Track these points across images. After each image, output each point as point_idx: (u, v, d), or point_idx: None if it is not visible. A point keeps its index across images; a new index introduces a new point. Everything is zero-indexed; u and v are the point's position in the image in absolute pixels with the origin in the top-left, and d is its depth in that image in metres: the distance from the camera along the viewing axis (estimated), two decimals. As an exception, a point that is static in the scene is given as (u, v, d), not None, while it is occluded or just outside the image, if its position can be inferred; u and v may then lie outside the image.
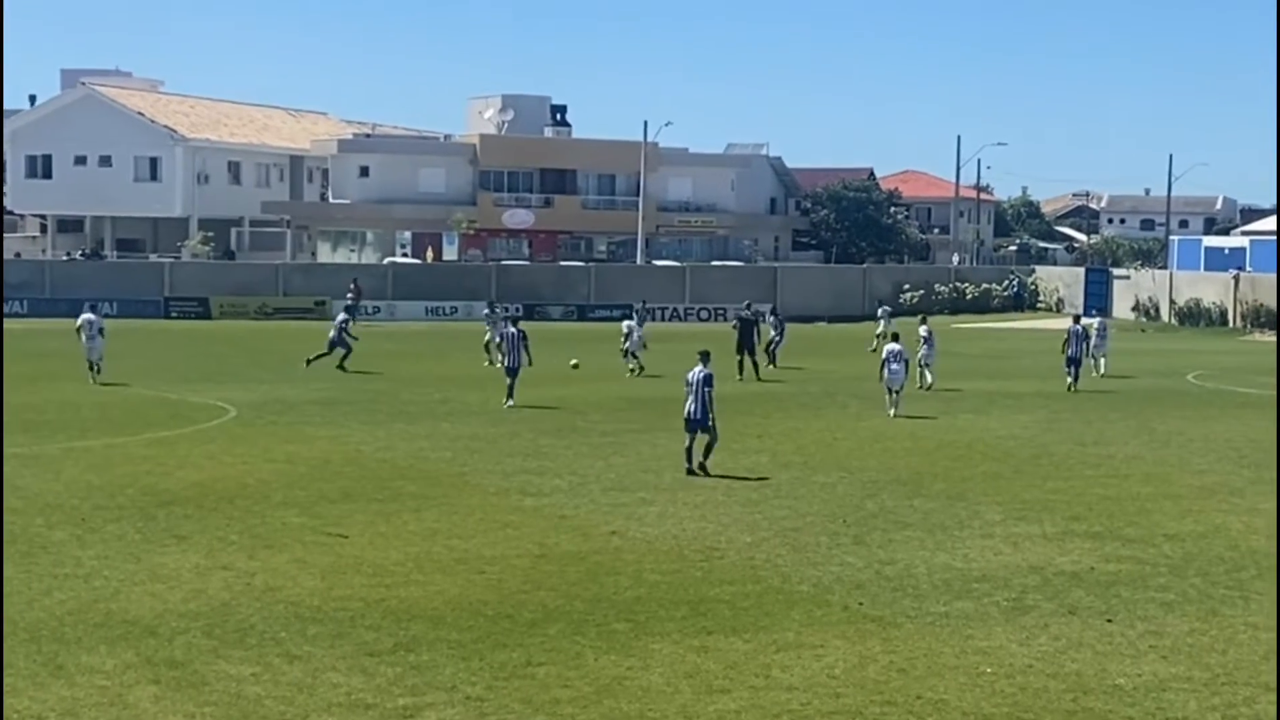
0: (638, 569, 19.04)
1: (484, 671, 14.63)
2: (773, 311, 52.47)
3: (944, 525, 22.18)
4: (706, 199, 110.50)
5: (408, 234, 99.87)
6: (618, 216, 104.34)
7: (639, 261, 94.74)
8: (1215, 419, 35.97)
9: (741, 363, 44.52)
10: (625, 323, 48.37)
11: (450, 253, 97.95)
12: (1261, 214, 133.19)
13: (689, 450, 26.65)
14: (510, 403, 36.46)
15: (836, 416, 35.59)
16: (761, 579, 18.62)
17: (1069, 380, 42.05)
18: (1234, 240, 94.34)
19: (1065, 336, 42.85)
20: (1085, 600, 17.75)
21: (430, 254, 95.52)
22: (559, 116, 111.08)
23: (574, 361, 41.15)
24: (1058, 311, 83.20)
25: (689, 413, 26.64)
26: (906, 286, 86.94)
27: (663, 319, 77.98)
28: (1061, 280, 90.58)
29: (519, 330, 37.66)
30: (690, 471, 26.34)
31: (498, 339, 38.96)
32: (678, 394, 39.53)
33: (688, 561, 19.55)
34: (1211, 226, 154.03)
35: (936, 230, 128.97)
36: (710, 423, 26.54)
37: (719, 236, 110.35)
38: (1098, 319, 50.60)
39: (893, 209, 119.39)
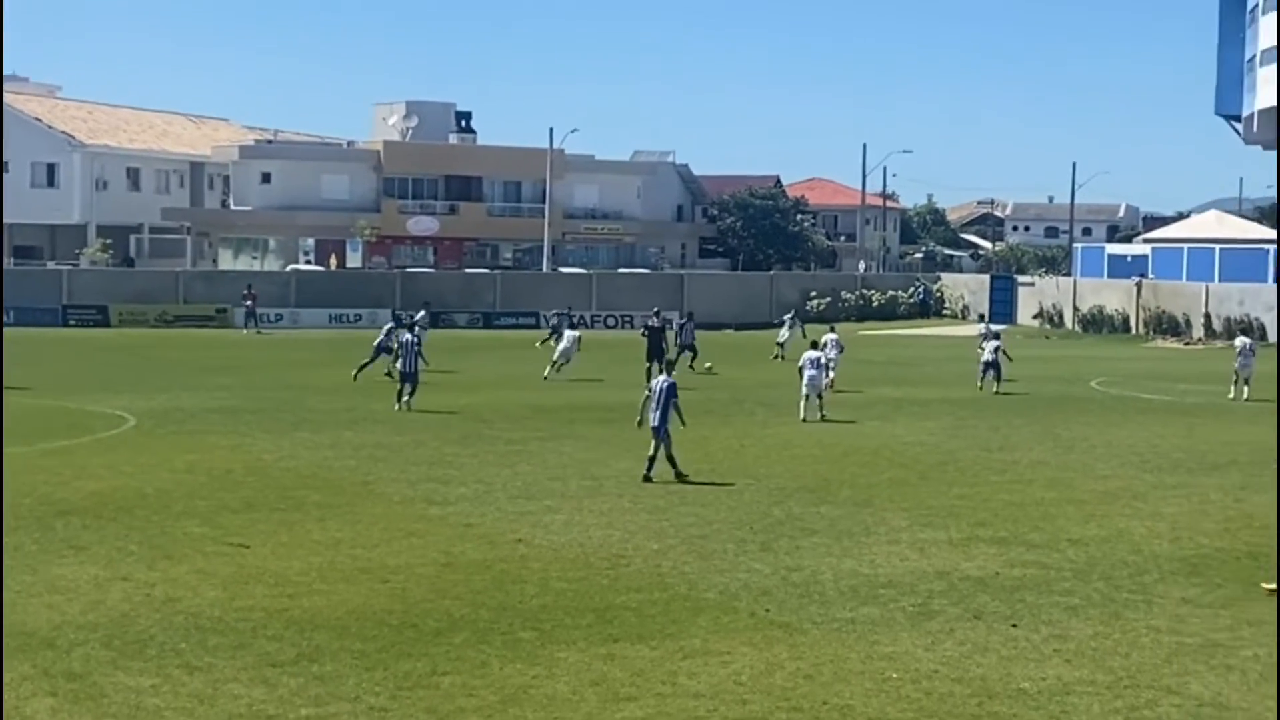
0: (544, 577, 19.02)
1: (388, 681, 14.55)
2: (686, 319, 52.66)
3: (850, 532, 22.31)
4: (613, 206, 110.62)
5: (311, 241, 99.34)
6: (524, 224, 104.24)
7: (545, 269, 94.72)
8: (1118, 425, 36.44)
9: (650, 370, 44.51)
10: (570, 333, 49.22)
11: (354, 260, 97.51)
12: (1163, 221, 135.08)
13: (651, 459, 26.80)
14: (400, 406, 36.89)
15: (744, 424, 35.72)
16: (668, 586, 18.65)
17: (981, 384, 43.55)
18: (1136, 248, 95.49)
19: (979, 343, 43.59)
20: (990, 605, 17.91)
21: (334, 261, 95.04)
22: (464, 123, 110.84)
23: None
24: (963, 318, 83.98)
25: (653, 421, 26.88)
26: (813, 294, 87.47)
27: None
28: (967, 287, 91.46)
29: (415, 337, 38.10)
30: (646, 479, 26.45)
31: (398, 345, 38.92)
32: (583, 401, 39.90)
33: (594, 569, 19.55)
34: (1114, 234, 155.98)
35: (843, 237, 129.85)
36: (666, 432, 26.74)
37: (625, 244, 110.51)
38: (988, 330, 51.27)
39: (799, 216, 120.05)
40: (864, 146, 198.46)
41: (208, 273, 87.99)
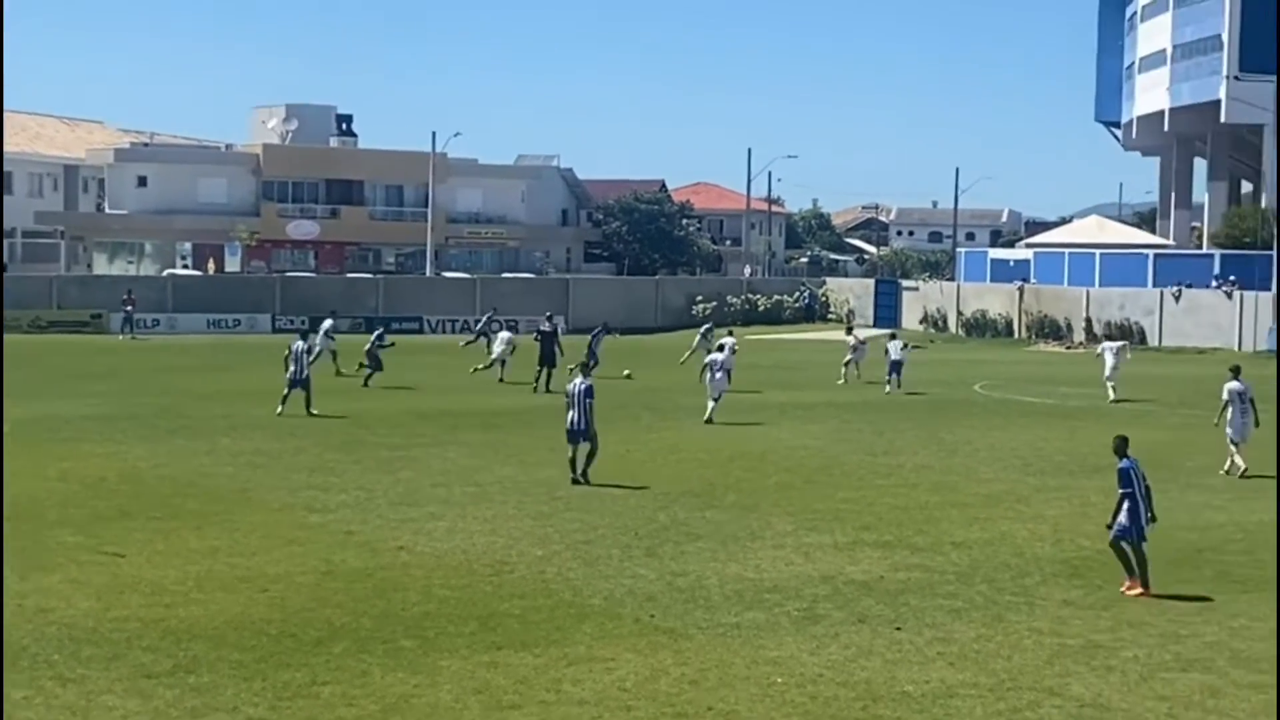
0: (426, 584, 18.93)
1: (266, 692, 14.41)
2: (606, 330, 52.74)
3: (736, 536, 22.40)
4: (497, 210, 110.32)
5: (188, 245, 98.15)
6: (406, 228, 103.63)
7: (428, 273, 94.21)
8: (1001, 428, 36.86)
9: (540, 374, 44.58)
10: (503, 335, 49.60)
11: (233, 264, 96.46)
12: (1045, 226, 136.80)
13: (572, 460, 27.02)
14: (282, 410, 36.89)
15: (629, 429, 35.72)
16: (553, 593, 18.62)
17: (888, 386, 45.67)
18: (1019, 252, 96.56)
19: (885, 346, 46.86)
20: (875, 609, 18.06)
21: (211, 265, 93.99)
22: (345, 126, 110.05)
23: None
24: (848, 323, 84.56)
25: (571, 423, 27.05)
26: (699, 298, 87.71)
27: (452, 331, 77.77)
28: (852, 292, 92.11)
29: (307, 344, 37.94)
30: (575, 481, 26.72)
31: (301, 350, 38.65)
32: (466, 407, 39.73)
33: (477, 576, 19.48)
34: (997, 239, 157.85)
35: (729, 242, 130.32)
36: (591, 433, 26.96)
37: (510, 248, 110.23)
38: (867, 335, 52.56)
39: (685, 221, 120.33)
40: (749, 151, 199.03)
41: (82, 277, 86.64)
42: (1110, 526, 19.25)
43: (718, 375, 37.60)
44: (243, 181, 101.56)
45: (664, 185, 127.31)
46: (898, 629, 17.07)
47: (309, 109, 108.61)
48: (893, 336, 50.41)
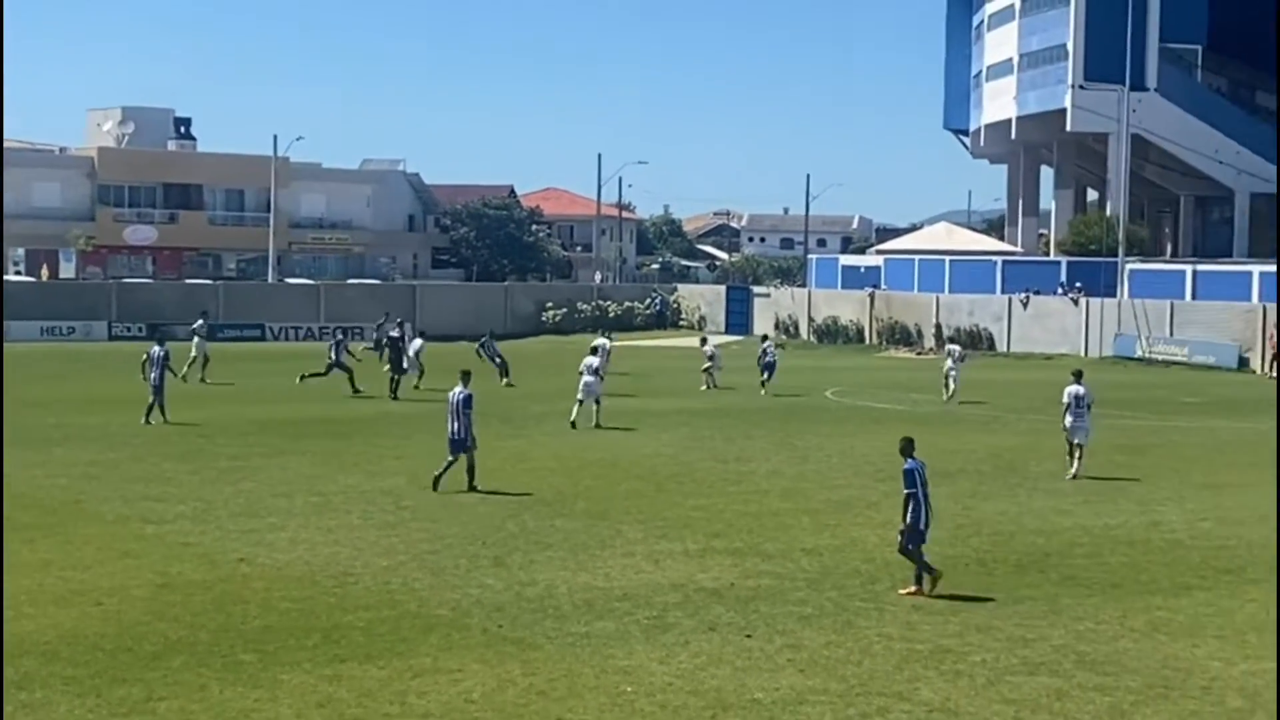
0: (267, 597, 18.70)
1: (101, 708, 14.14)
2: (489, 337, 53.17)
3: (586, 545, 22.39)
4: (341, 215, 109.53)
5: (21, 251, 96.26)
6: (247, 233, 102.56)
7: (270, 279, 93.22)
8: (852, 434, 37.22)
9: (394, 381, 44.94)
10: (418, 341, 49.89)
11: (68, 270, 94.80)
12: (895, 233, 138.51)
13: (446, 470, 27.17)
14: (148, 420, 36.88)
15: (480, 437, 35.51)
16: (398, 604, 18.48)
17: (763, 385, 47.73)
18: (870, 259, 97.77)
19: (761, 348, 49.44)
20: (725, 616, 18.13)
21: (45, 272, 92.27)
22: (184, 130, 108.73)
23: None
24: (700, 329, 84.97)
25: (452, 433, 27.13)
26: (549, 305, 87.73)
27: (296, 339, 77.09)
28: (703, 298, 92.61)
29: (164, 350, 37.61)
30: (434, 488, 26.92)
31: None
32: (309, 416, 39.34)
33: (320, 588, 19.28)
34: (848, 245, 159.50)
35: (579, 248, 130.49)
36: (471, 443, 27.01)
37: (355, 254, 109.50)
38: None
39: (534, 227, 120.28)
40: (599, 157, 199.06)
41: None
42: (902, 533, 19.57)
43: (587, 379, 38.02)
44: (78, 185, 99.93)
45: (513, 191, 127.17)
46: (748, 636, 17.16)
47: (146, 112, 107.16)
48: (765, 338, 52.75)
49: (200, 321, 52.99)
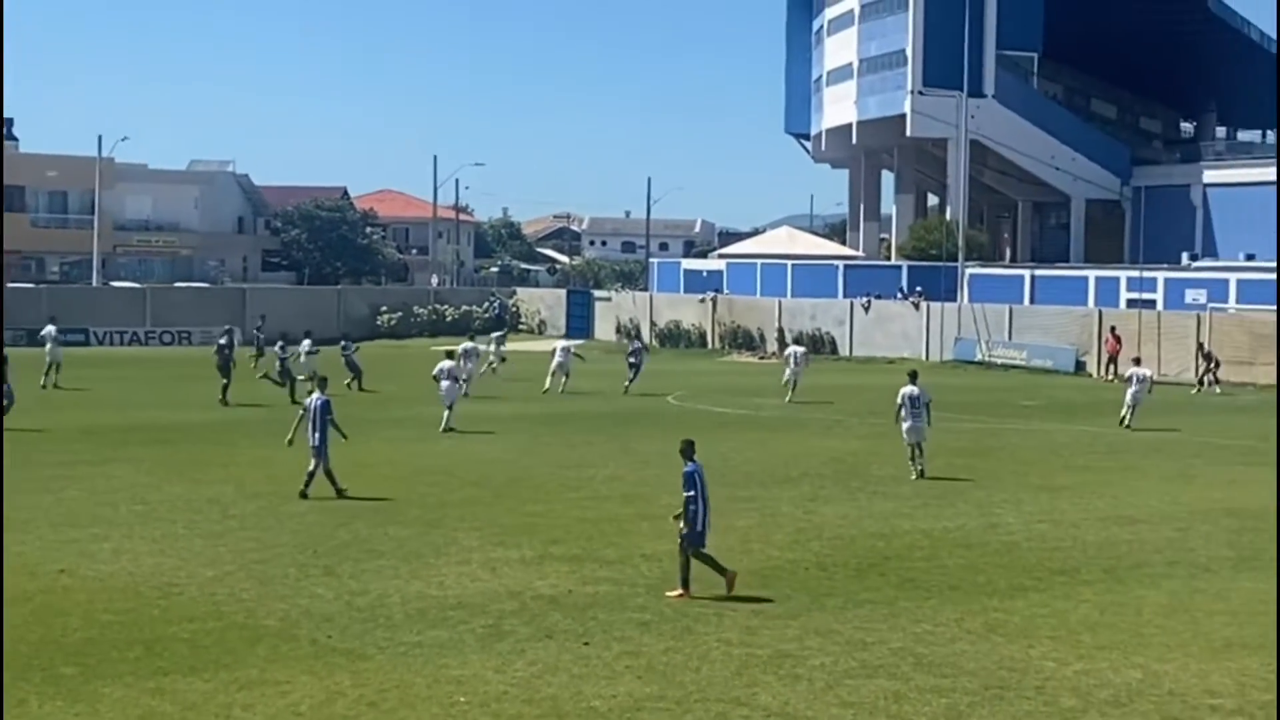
0: (89, 609, 18.31)
1: (-91, 727, 13.75)
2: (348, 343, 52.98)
3: (420, 553, 22.21)
4: (168, 217, 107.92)
5: None
6: (71, 236, 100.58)
7: (95, 283, 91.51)
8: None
9: (226, 389, 44.50)
10: (306, 343, 50.84)
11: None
12: (737, 237, 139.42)
13: (311, 475, 27.04)
14: None
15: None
16: (224, 615, 18.18)
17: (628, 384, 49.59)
18: (712, 263, 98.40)
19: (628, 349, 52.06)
20: (563, 624, 18.06)
21: None
22: (5, 130, 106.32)
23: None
24: (540, 333, 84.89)
25: (313, 440, 27.07)
26: (384, 308, 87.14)
27: (122, 343, 75.84)
28: (543, 302, 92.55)
29: (3, 356, 37.13)
30: (303, 495, 26.81)
31: None
32: (135, 422, 38.67)
33: (144, 599, 18.92)
34: (690, 249, 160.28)
35: (415, 251, 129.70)
36: (325, 450, 27.06)
37: (183, 256, 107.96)
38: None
39: (369, 229, 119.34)
40: (435, 159, 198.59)
41: None
42: (682, 534, 19.77)
43: (444, 383, 38.25)
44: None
45: (346, 192, 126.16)
46: (585, 644, 17.10)
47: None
48: (633, 337, 55.96)
49: (51, 328, 52.25)
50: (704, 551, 19.70)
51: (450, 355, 40.36)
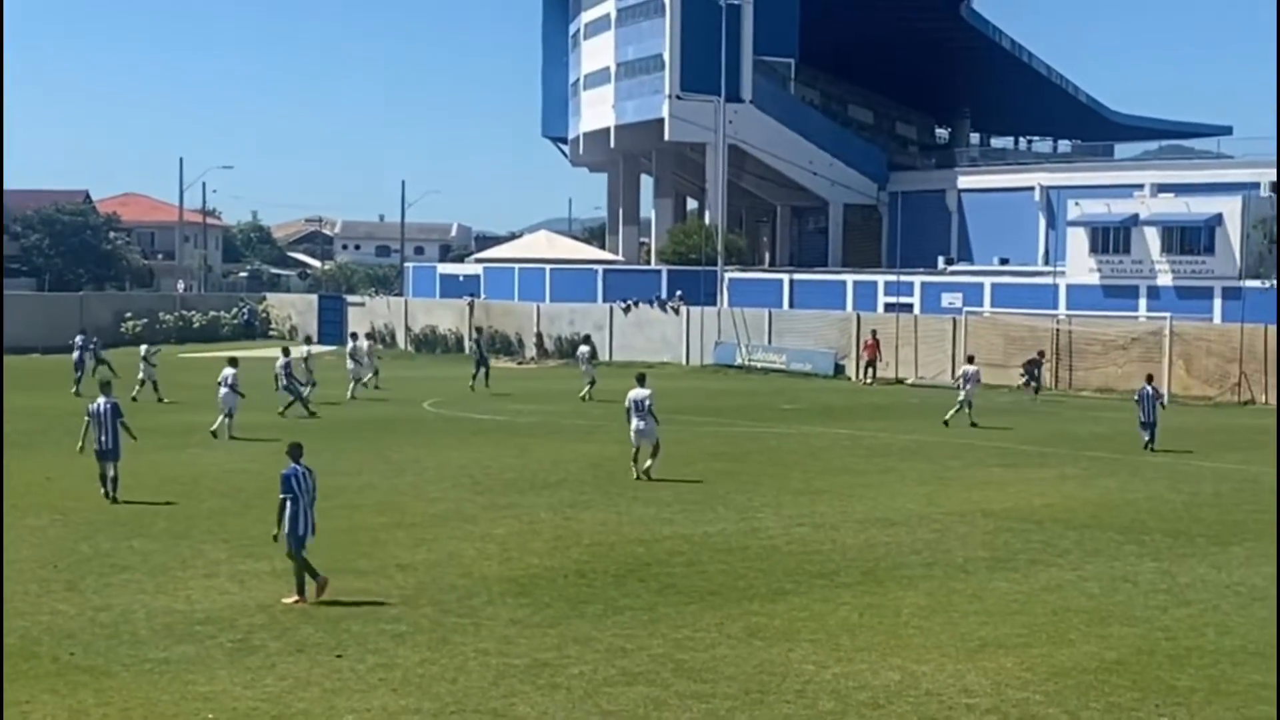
0: None
1: None
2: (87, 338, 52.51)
3: (166, 566, 21.78)
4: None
5: None
6: None
7: None
8: (451, 446, 37.21)
9: None
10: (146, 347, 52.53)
11: None
12: (495, 241, 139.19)
13: (103, 478, 27.78)
14: None
15: (52, 454, 34.29)
16: (-42, 634, 17.60)
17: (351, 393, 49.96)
18: (469, 267, 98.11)
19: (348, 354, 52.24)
20: (315, 637, 17.83)
21: None
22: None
23: None
24: (291, 339, 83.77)
25: (99, 444, 27.68)
26: (129, 315, 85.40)
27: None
28: (294, 307, 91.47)
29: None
30: (108, 498, 27.40)
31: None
32: None
33: None
34: (447, 254, 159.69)
35: (161, 256, 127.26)
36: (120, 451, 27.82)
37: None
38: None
39: (112, 234, 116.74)
40: (180, 161, 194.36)
41: None
42: (275, 536, 20.09)
43: (224, 391, 39.06)
44: None
45: (88, 196, 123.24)
46: (338, 656, 16.90)
47: None
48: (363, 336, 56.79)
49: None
50: (302, 555, 19.81)
51: (233, 362, 39.83)
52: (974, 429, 42.89)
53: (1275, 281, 63.32)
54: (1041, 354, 57.12)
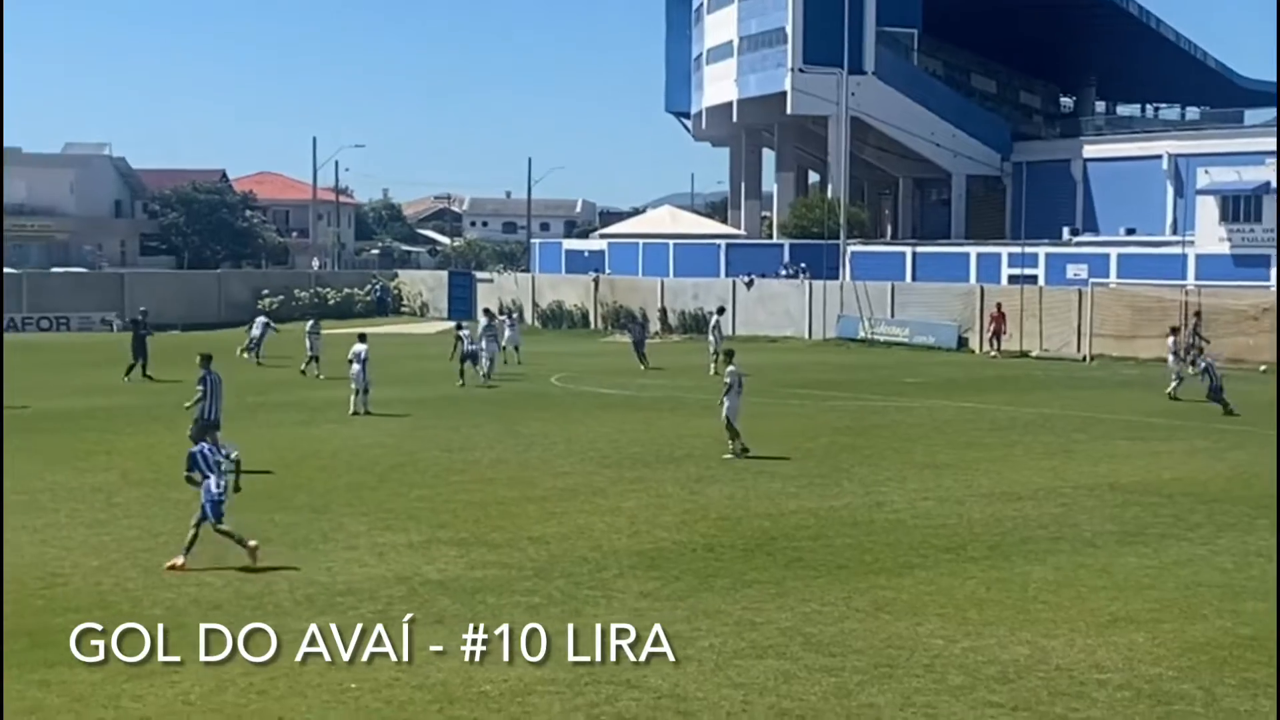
0: (-30, 602, 18.08)
1: None
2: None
3: (307, 539, 22.14)
4: (43, 202, 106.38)
5: None
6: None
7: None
8: (578, 421, 37.45)
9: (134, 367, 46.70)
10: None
11: None
12: (619, 216, 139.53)
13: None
14: None
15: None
16: (110, 605, 18.03)
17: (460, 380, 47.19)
18: (594, 243, 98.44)
19: (454, 340, 48.50)
20: (452, 609, 18.08)
21: None
22: None
23: None
24: (422, 315, 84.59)
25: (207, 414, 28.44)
26: (265, 292, 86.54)
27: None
28: (425, 284, 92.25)
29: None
30: None
31: None
32: (14, 409, 38.14)
33: (27, 590, 18.71)
34: (572, 229, 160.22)
35: (295, 234, 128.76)
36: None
37: (59, 241, 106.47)
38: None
39: (248, 212, 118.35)
40: (314, 140, 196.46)
41: None
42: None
43: (355, 367, 38.63)
44: None
45: (225, 175, 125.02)
46: (474, 627, 17.11)
47: None
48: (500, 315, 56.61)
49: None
50: (222, 527, 20.25)
51: (362, 338, 40.04)
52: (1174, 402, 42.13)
53: None
54: (1198, 315, 55.77)
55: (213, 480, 20.24)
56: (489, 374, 47.93)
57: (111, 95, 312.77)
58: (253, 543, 20.11)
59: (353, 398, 38.45)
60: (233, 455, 20.83)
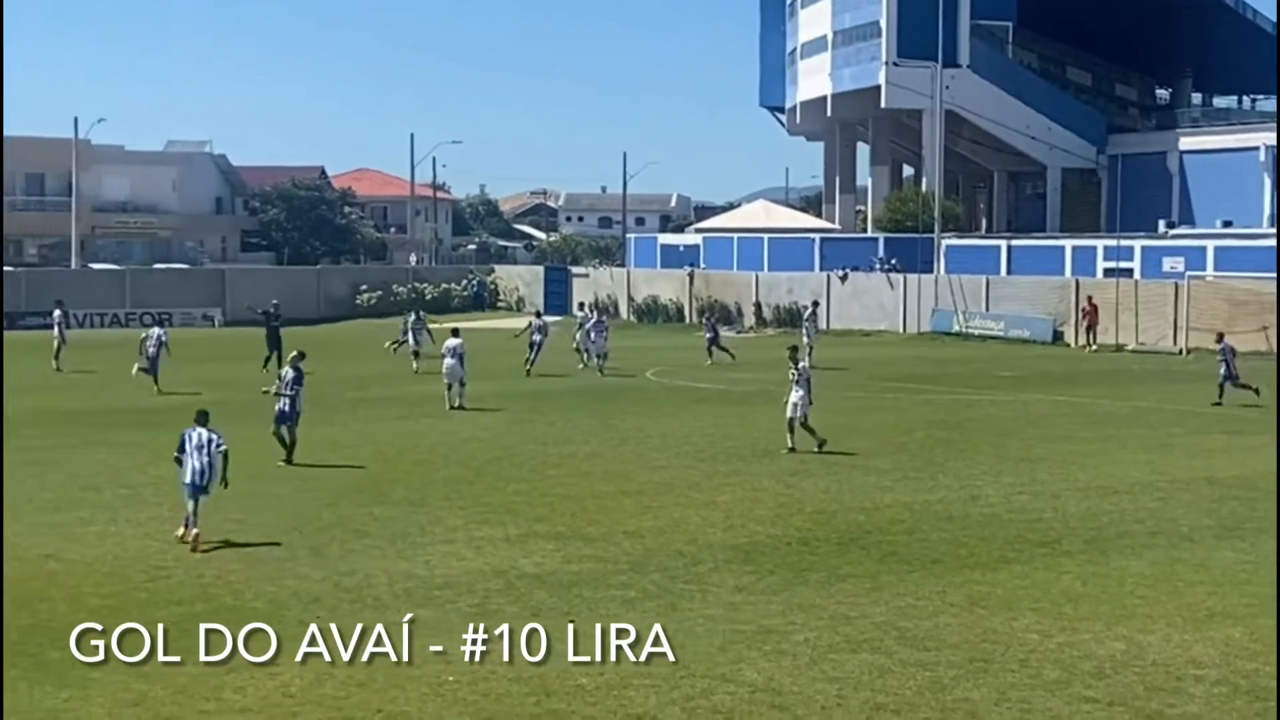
0: (76, 593, 18.36)
1: (-99, 715, 13.79)
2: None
3: (405, 533, 22.28)
4: (146, 199, 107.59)
5: None
6: (49, 219, 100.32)
7: (74, 265, 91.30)
8: (673, 415, 37.44)
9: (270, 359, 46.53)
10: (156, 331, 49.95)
11: None
12: (713, 211, 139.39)
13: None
14: None
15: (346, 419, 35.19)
16: (212, 597, 18.24)
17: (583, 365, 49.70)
18: (688, 238, 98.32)
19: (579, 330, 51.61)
20: (548, 602, 18.15)
21: None
22: None
23: None
24: (519, 310, 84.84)
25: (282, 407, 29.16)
26: (364, 287, 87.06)
27: (102, 325, 75.77)
28: (521, 279, 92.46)
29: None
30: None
31: None
32: (117, 406, 38.64)
33: (131, 583, 18.96)
34: (667, 224, 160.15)
35: (393, 229, 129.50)
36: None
37: (161, 238, 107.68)
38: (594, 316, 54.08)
39: (347, 208, 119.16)
40: (411, 136, 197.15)
41: None
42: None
43: (449, 361, 38.58)
44: None
45: (324, 171, 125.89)
46: (571, 621, 17.15)
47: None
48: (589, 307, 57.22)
49: (57, 311, 52.90)
50: (194, 500, 21.17)
51: (456, 333, 39.94)
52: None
53: None
54: None
55: (195, 461, 21.20)
56: (601, 368, 49.06)
57: (213, 93, 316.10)
58: (195, 531, 20.99)
59: (446, 392, 38.49)
60: (222, 447, 21.57)
